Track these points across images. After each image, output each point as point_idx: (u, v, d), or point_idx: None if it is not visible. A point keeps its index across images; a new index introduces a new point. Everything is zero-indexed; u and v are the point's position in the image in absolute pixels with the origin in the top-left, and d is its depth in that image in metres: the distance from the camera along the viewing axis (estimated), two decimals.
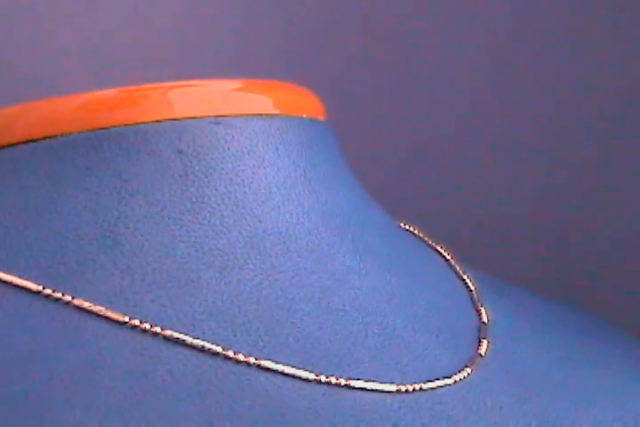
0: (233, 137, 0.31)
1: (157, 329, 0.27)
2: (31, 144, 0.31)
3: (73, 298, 0.28)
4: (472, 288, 0.34)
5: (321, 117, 0.36)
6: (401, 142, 0.60)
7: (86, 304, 0.28)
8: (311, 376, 0.27)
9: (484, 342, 0.31)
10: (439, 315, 0.31)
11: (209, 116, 0.31)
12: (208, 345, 0.27)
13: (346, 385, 0.27)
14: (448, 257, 0.37)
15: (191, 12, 0.54)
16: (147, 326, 0.27)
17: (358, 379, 0.28)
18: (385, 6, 0.59)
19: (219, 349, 0.27)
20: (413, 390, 0.28)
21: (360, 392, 0.27)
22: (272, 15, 0.57)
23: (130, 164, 0.30)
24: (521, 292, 0.38)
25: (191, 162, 0.31)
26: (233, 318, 0.28)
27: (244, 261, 0.30)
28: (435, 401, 0.28)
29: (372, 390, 0.28)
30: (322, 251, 0.31)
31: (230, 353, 0.27)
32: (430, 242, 0.38)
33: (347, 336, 0.29)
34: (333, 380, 0.27)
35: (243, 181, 0.31)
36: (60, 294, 0.28)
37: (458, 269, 0.36)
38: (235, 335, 0.28)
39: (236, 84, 0.32)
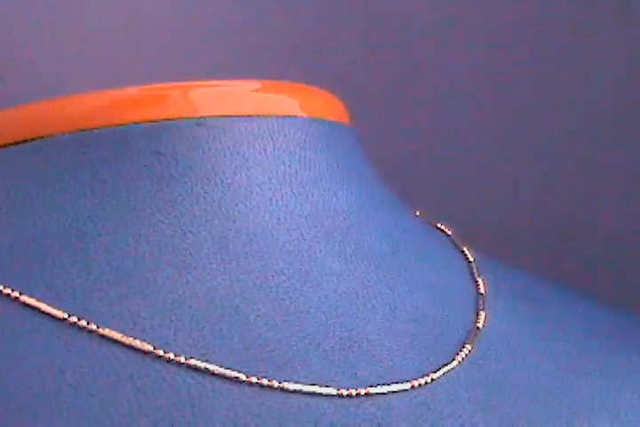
0: (215, 138, 0.31)
1: (94, 327, 0.28)
2: (22, 145, 0.32)
3: (21, 294, 0.28)
4: (482, 292, 0.33)
5: (339, 119, 0.35)
6: (401, 142, 0.60)
7: (30, 300, 0.28)
8: (242, 377, 0.27)
9: (467, 347, 0.30)
10: (423, 320, 0.30)
11: (218, 116, 0.31)
12: (140, 343, 0.27)
13: (279, 387, 0.27)
14: (471, 259, 0.35)
15: (192, 12, 0.55)
16: (84, 323, 0.28)
17: (297, 382, 0.27)
18: (388, 6, 0.58)
19: (149, 347, 0.27)
20: (357, 394, 0.27)
21: (294, 395, 0.27)
22: (272, 15, 0.57)
23: (108, 165, 0.31)
24: (548, 293, 0.36)
25: (169, 163, 0.31)
26: (178, 318, 0.28)
27: (207, 262, 0.30)
28: (379, 407, 0.27)
29: (309, 393, 0.27)
30: (299, 252, 0.31)
31: (160, 352, 0.27)
32: (457, 243, 0.36)
33: (301, 338, 0.29)
34: (265, 381, 0.27)
35: (221, 181, 0.31)
36: (9, 291, 0.28)
37: (475, 272, 0.34)
38: (174, 335, 0.28)
39: (255, 84, 0.32)
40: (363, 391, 0.27)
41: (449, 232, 0.37)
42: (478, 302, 0.32)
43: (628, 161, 0.59)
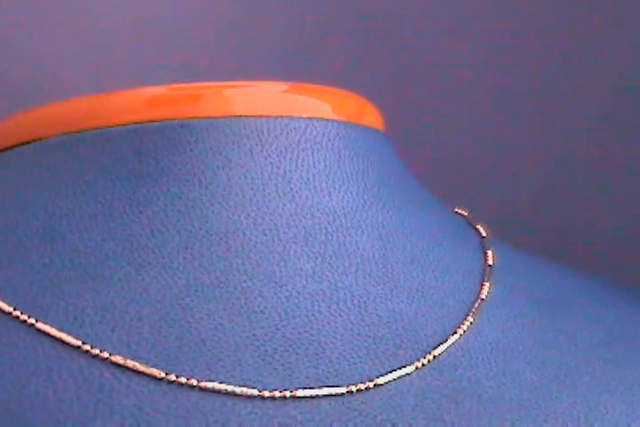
0: (197, 139, 0.31)
1: (32, 321, 0.28)
2: (23, 147, 0.33)
3: None
4: (483, 297, 0.31)
5: (367, 122, 0.35)
6: (401, 142, 0.60)
7: None
8: (161, 375, 0.26)
9: (433, 353, 0.28)
10: (395, 323, 0.29)
11: (229, 117, 0.32)
12: (69, 338, 0.27)
13: (197, 386, 0.26)
14: (491, 263, 0.33)
15: (192, 12, 0.54)
16: (25, 317, 0.28)
17: (221, 382, 0.26)
18: (388, 6, 0.57)
19: (78, 342, 0.27)
20: (283, 397, 0.26)
21: (211, 394, 0.26)
22: (273, 15, 0.56)
23: (91, 165, 0.31)
24: (577, 297, 0.34)
25: (148, 163, 0.31)
26: (121, 315, 0.28)
27: (169, 260, 0.29)
28: (303, 410, 0.26)
29: (229, 393, 0.26)
30: (270, 253, 0.30)
31: (87, 347, 0.27)
32: (486, 245, 0.34)
33: (243, 339, 0.28)
34: (184, 380, 0.26)
35: (200, 181, 0.31)
36: None
37: (487, 276, 0.32)
38: (112, 331, 0.28)
39: (283, 86, 0.32)
40: (288, 394, 0.26)
41: (484, 233, 0.35)
42: (474, 306, 0.31)
43: (628, 162, 0.59)
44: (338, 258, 0.30)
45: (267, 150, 0.31)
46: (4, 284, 0.29)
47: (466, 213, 0.37)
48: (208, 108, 0.31)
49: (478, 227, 0.36)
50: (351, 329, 0.28)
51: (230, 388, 0.26)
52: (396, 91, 0.59)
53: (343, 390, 0.26)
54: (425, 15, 0.59)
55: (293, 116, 0.32)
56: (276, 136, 0.32)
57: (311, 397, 0.26)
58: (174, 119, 0.31)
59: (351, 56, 0.58)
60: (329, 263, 0.30)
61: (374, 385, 0.27)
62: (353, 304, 0.29)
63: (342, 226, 0.31)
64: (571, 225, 0.60)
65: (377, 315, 0.29)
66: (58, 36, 0.51)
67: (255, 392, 0.26)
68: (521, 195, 0.60)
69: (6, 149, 0.33)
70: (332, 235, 0.31)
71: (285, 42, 0.57)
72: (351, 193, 0.32)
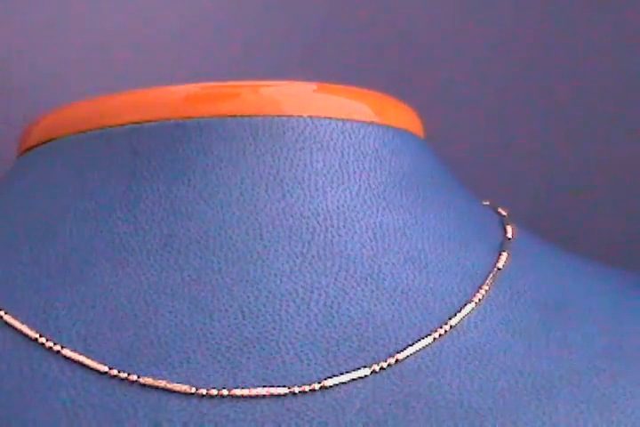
0: (190, 139, 0.31)
1: (2, 313, 0.28)
2: (40, 146, 0.34)
3: None
4: (476, 300, 0.30)
5: (386, 121, 0.34)
6: None
7: None
8: (104, 369, 0.26)
9: (397, 357, 0.27)
10: (366, 325, 0.28)
11: (268, 115, 0.32)
12: (28, 331, 0.28)
13: (137, 382, 0.26)
14: (501, 266, 0.32)
15: (193, 12, 0.54)
16: None
17: (163, 378, 0.26)
18: (388, 6, 0.56)
19: (36, 335, 0.28)
20: (220, 395, 0.26)
21: (150, 390, 0.26)
22: (274, 15, 0.56)
23: (92, 164, 0.32)
24: (594, 304, 0.32)
25: (142, 162, 0.32)
26: (87, 310, 0.28)
27: (146, 258, 0.29)
28: (238, 408, 0.26)
29: (166, 389, 0.26)
30: (249, 252, 0.30)
31: (43, 340, 0.27)
32: (507, 247, 0.33)
33: (200, 337, 0.27)
34: (124, 375, 0.26)
35: (189, 180, 0.31)
36: None
37: (490, 279, 0.31)
38: (73, 325, 0.28)
39: (313, 86, 0.33)
40: (226, 393, 0.25)
41: (509, 235, 0.33)
42: (462, 310, 0.29)
43: (629, 161, 0.59)
44: (320, 258, 0.30)
45: (260, 150, 0.31)
46: None
47: (504, 214, 0.36)
48: (246, 105, 0.31)
49: (508, 227, 0.34)
50: (315, 330, 0.28)
51: (167, 384, 0.26)
52: (397, 91, 0.59)
53: (285, 390, 0.26)
54: (425, 15, 0.59)
55: (293, 116, 0.32)
56: (271, 135, 0.31)
57: (250, 396, 0.26)
58: (212, 116, 0.31)
59: (351, 56, 0.58)
60: (309, 263, 0.29)
61: (320, 387, 0.26)
62: (325, 305, 0.28)
63: (333, 226, 0.30)
64: (570, 226, 0.60)
65: (348, 316, 0.28)
66: (58, 35, 0.52)
67: (192, 389, 0.25)
68: (523, 194, 0.60)
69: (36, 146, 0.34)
70: (318, 235, 0.30)
71: (286, 42, 0.57)
72: (350, 193, 0.31)
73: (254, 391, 0.25)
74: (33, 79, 0.50)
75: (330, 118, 0.32)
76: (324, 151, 0.32)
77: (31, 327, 0.28)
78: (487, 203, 0.37)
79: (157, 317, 0.28)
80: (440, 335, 0.28)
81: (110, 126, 0.32)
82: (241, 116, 0.31)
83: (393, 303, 0.29)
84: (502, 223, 0.35)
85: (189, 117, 0.31)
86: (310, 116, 0.32)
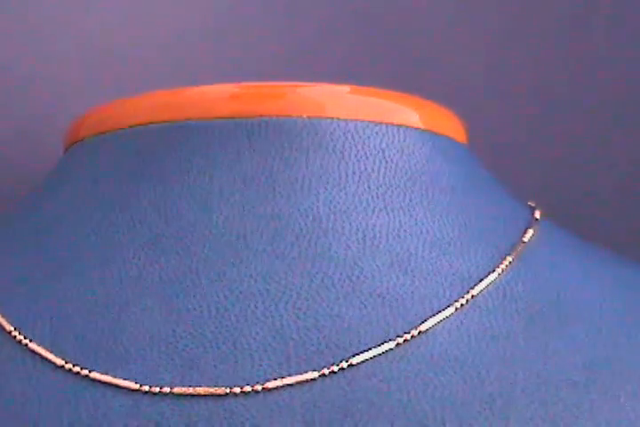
0: (187, 139, 0.32)
1: None
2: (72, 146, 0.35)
3: None
4: (458, 305, 0.29)
5: (403, 122, 0.34)
6: None
7: None
8: (60, 363, 0.27)
9: (351, 361, 0.27)
10: (331, 328, 0.28)
11: (299, 116, 0.32)
12: (3, 322, 0.29)
13: (88, 377, 0.27)
14: (500, 269, 0.31)
15: (193, 13, 0.53)
16: None
17: (113, 374, 0.27)
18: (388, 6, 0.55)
19: (11, 328, 0.28)
20: (161, 392, 0.26)
21: (97, 385, 0.27)
22: (272, 15, 0.55)
23: (99, 165, 0.33)
24: (603, 311, 0.31)
25: (142, 163, 0.32)
26: (62, 306, 0.29)
27: (130, 256, 0.30)
28: (175, 407, 0.26)
29: (112, 385, 0.27)
30: (229, 253, 0.30)
31: (16, 333, 0.28)
32: (521, 252, 0.32)
33: (161, 335, 0.28)
34: (76, 369, 0.27)
35: (183, 181, 0.31)
36: None
37: (487, 284, 0.31)
38: (47, 320, 0.29)
39: (346, 88, 0.33)
40: (167, 390, 0.26)
41: (526, 238, 0.32)
42: (439, 315, 0.29)
43: (629, 160, 0.59)
44: (301, 259, 0.29)
45: (256, 151, 0.31)
46: None
47: (537, 216, 0.35)
48: (289, 106, 0.32)
49: (529, 231, 0.33)
50: (277, 331, 0.27)
51: (113, 380, 0.26)
52: (396, 90, 0.58)
53: (225, 390, 0.26)
54: (426, 15, 0.58)
55: (292, 116, 0.32)
56: (267, 137, 0.31)
57: (190, 395, 0.26)
58: (254, 117, 0.32)
59: (352, 56, 0.57)
60: (288, 265, 0.29)
61: (263, 389, 0.26)
62: (293, 306, 0.28)
63: (320, 227, 0.30)
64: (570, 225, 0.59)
65: (314, 318, 0.28)
66: (58, 36, 0.53)
67: (136, 386, 0.26)
68: (523, 194, 0.60)
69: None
70: (303, 236, 0.30)
71: (286, 42, 0.57)
72: (345, 194, 0.31)
73: (195, 391, 0.25)
74: (33, 79, 0.52)
75: (330, 118, 0.32)
76: (323, 152, 0.31)
77: (9, 320, 0.29)
78: (532, 204, 0.36)
79: (126, 314, 0.28)
80: (405, 340, 0.27)
81: (131, 126, 0.33)
82: (238, 117, 0.32)
83: (365, 307, 0.28)
84: (526, 226, 0.34)
85: (231, 117, 0.32)
86: (309, 117, 0.32)
